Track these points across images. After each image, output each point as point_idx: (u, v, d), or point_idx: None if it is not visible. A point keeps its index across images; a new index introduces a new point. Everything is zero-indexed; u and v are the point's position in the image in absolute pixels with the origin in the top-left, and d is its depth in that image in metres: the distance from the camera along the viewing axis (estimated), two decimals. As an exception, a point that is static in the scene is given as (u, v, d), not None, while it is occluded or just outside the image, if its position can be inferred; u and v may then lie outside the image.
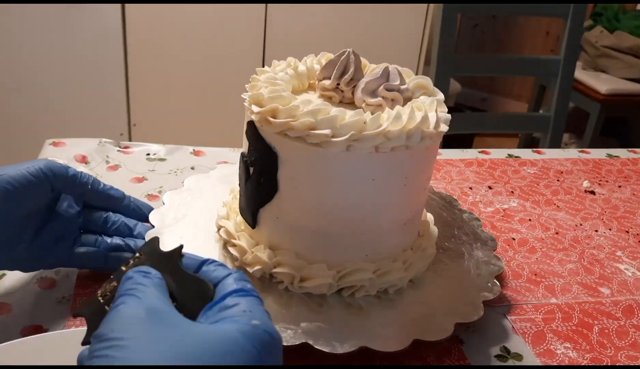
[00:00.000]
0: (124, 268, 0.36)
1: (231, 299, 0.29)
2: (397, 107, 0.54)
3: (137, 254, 0.37)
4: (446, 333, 0.52)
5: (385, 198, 0.54)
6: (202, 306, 0.31)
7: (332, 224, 0.55)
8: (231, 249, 0.59)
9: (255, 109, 0.54)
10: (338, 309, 0.54)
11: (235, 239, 0.59)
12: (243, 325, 0.27)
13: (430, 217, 0.67)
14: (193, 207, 0.66)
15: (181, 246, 0.36)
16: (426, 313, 0.55)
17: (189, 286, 0.34)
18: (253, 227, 0.58)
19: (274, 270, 0.56)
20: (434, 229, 0.65)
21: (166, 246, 0.37)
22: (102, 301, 0.34)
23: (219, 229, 0.62)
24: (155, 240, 0.38)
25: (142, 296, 0.28)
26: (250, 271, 0.57)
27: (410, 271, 0.58)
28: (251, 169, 0.56)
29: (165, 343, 0.25)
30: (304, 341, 0.49)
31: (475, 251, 0.65)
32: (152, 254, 0.36)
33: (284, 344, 0.49)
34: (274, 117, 0.53)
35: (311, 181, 0.53)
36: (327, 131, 0.50)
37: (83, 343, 0.32)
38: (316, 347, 0.49)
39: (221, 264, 0.32)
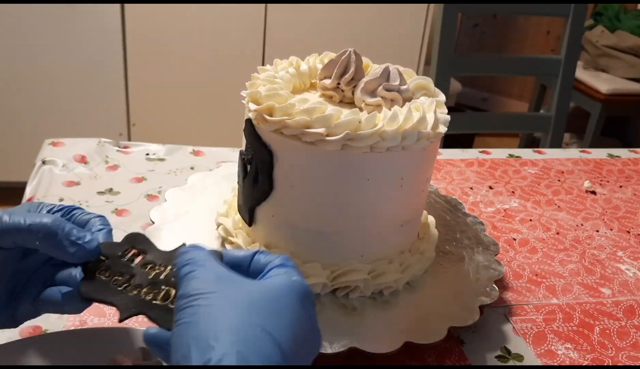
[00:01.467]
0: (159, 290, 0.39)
1: (276, 269, 0.38)
2: (395, 108, 0.53)
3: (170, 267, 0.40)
4: (439, 336, 0.51)
5: (380, 199, 0.54)
6: None
7: (327, 224, 0.54)
8: (228, 247, 0.59)
9: (252, 106, 0.54)
10: (331, 309, 0.54)
11: (232, 236, 0.59)
12: (286, 280, 0.36)
13: (431, 219, 0.66)
14: (195, 204, 0.66)
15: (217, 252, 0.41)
16: (421, 315, 0.55)
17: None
18: (250, 225, 0.58)
19: (269, 268, 0.56)
20: (435, 232, 0.64)
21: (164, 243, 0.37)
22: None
23: (218, 227, 0.62)
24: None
25: (208, 265, 0.37)
26: None
27: (407, 273, 0.58)
28: (248, 167, 0.56)
29: (238, 293, 0.34)
30: None
31: (476, 255, 0.64)
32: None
33: None
34: (270, 115, 0.52)
35: (306, 179, 0.53)
36: (321, 130, 0.50)
37: (120, 320, 0.38)
38: None
39: (269, 254, 0.40)
